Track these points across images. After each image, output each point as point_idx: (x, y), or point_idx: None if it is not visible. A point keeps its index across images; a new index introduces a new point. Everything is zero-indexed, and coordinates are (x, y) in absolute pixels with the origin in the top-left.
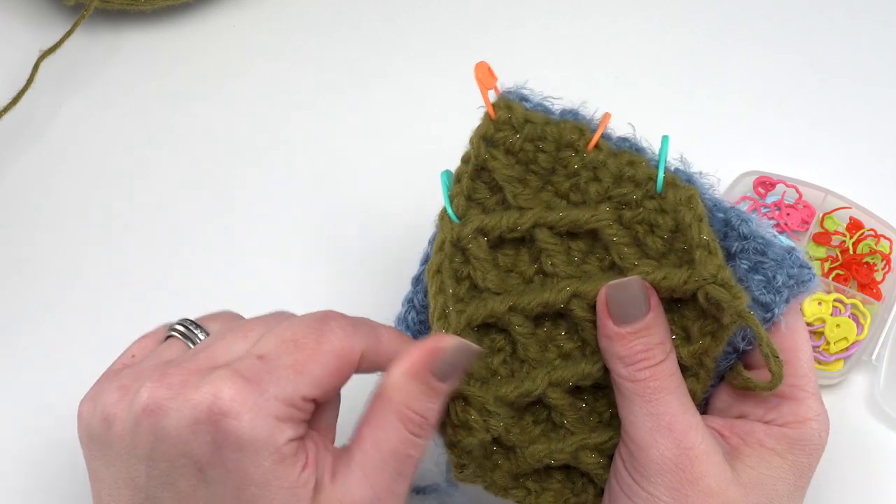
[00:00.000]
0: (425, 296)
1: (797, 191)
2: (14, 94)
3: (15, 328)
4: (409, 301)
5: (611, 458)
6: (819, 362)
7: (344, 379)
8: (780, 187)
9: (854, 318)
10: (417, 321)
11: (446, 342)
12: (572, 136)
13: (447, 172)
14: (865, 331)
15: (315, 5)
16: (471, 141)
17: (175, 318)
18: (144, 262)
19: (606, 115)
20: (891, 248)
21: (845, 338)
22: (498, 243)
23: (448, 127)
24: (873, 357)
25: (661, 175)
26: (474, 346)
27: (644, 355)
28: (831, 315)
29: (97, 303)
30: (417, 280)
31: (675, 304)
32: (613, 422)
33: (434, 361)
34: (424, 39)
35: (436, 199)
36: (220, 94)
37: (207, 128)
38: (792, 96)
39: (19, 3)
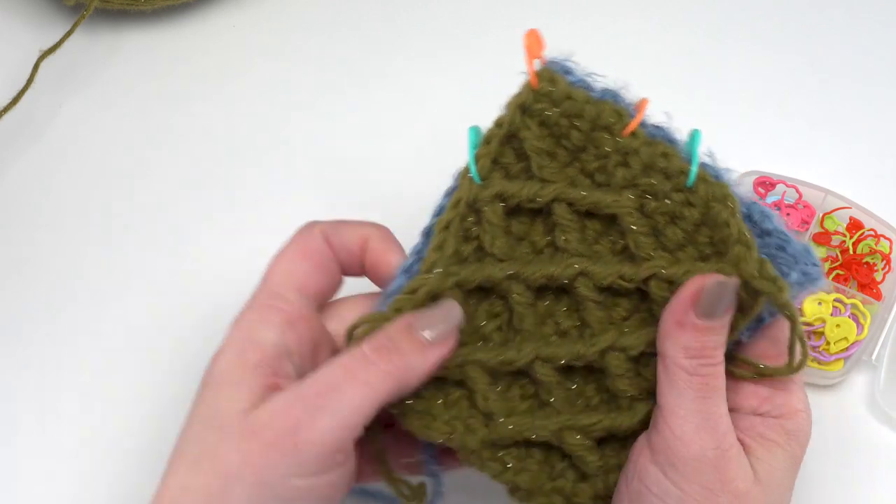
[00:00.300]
0: None
1: (797, 191)
2: (14, 94)
3: (14, 328)
4: (418, 252)
5: (597, 442)
6: (819, 362)
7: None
8: (780, 187)
9: (854, 318)
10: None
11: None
12: (610, 119)
13: (475, 129)
14: (865, 331)
15: (315, 5)
16: (508, 106)
17: (174, 317)
18: (145, 262)
19: (644, 101)
20: (891, 248)
21: (845, 338)
22: (514, 211)
23: (448, 126)
24: (873, 357)
25: (694, 169)
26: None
27: (711, 353)
28: (831, 315)
29: (97, 302)
30: (428, 232)
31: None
32: (601, 407)
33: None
34: (424, 39)
35: (436, 197)
36: (220, 93)
37: (207, 127)
38: (792, 96)
39: (19, 3)
